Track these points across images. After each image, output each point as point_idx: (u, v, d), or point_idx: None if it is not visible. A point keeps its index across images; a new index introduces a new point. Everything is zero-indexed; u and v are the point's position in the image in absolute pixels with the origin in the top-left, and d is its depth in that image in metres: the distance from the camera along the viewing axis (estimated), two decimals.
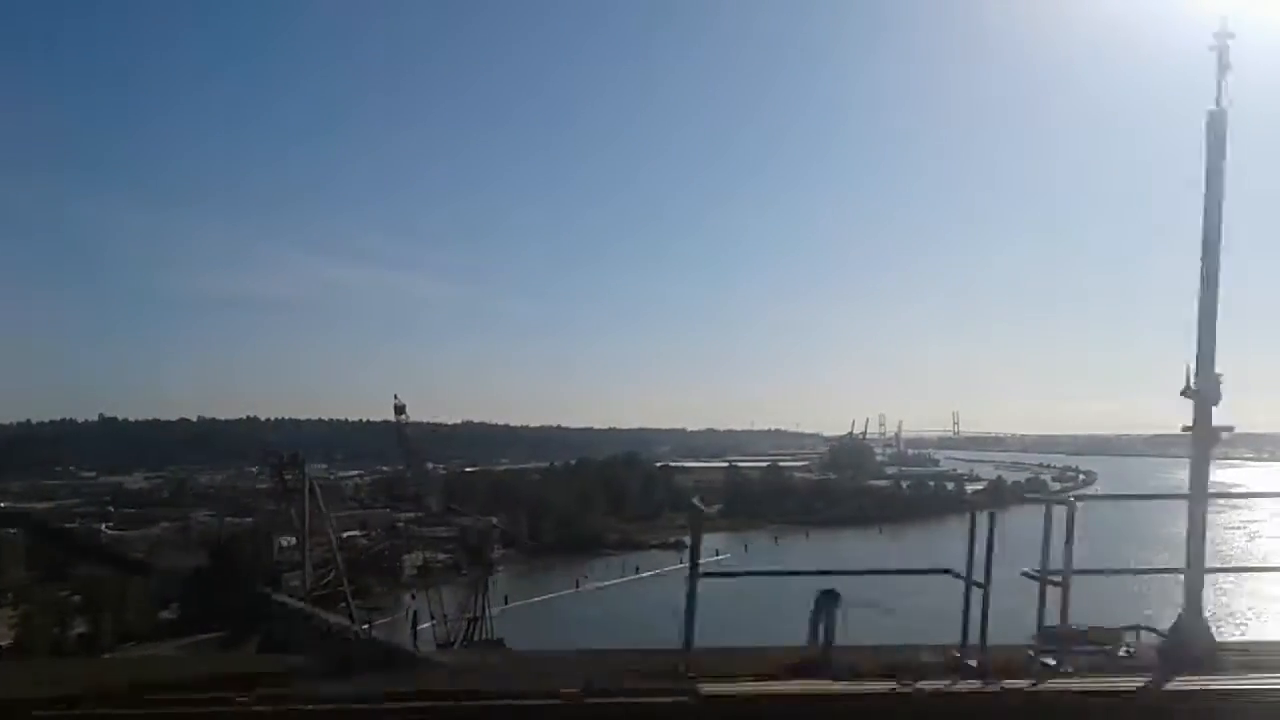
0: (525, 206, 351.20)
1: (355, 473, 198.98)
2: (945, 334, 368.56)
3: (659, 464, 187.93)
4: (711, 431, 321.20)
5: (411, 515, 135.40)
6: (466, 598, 60.64)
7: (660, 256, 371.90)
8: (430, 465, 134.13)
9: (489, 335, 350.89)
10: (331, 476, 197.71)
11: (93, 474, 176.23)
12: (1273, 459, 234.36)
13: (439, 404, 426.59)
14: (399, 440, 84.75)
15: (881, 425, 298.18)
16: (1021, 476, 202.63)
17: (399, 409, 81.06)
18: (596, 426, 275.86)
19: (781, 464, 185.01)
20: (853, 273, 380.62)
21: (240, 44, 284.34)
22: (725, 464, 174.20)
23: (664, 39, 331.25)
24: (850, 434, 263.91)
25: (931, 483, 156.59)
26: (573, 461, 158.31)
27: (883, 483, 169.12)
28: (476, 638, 57.64)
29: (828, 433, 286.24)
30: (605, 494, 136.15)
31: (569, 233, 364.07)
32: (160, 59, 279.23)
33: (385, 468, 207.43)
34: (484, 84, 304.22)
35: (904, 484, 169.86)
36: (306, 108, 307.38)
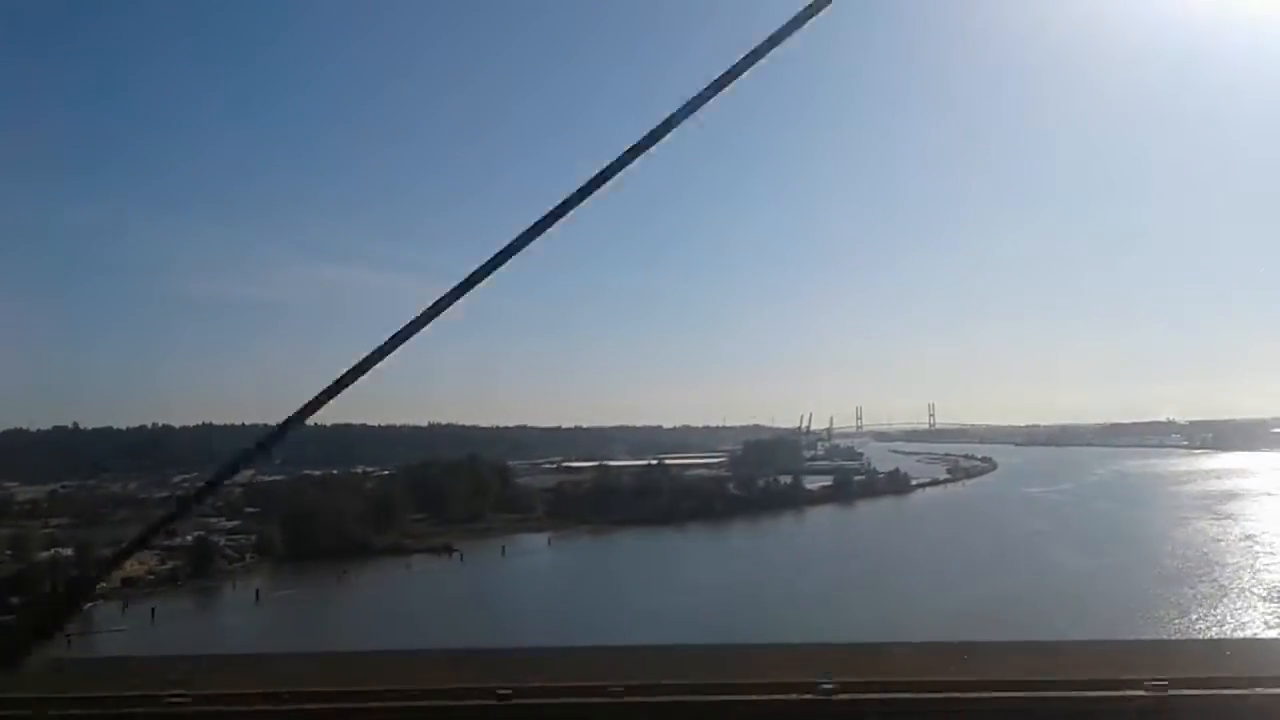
0: (526, 206, 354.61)
1: (280, 478, 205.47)
2: (937, 329, 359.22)
3: (553, 463, 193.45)
4: (687, 428, 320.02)
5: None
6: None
7: (657, 256, 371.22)
8: None
9: (488, 335, 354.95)
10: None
11: (14, 484, 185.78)
12: (1203, 446, 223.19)
13: (436, 406, 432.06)
14: None
15: (859, 418, 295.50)
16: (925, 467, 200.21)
17: None
18: (565, 425, 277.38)
19: (668, 462, 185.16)
20: (849, 270, 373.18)
21: (239, 46, 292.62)
22: (595, 464, 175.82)
23: (662, 38, 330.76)
24: (798, 428, 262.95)
25: (761, 481, 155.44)
26: (414, 464, 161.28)
27: (786, 479, 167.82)
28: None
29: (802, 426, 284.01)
30: (425, 497, 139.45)
31: (569, 232, 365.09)
32: (159, 62, 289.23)
33: (316, 471, 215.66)
34: (484, 85, 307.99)
35: (804, 479, 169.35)
36: (307, 111, 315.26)
